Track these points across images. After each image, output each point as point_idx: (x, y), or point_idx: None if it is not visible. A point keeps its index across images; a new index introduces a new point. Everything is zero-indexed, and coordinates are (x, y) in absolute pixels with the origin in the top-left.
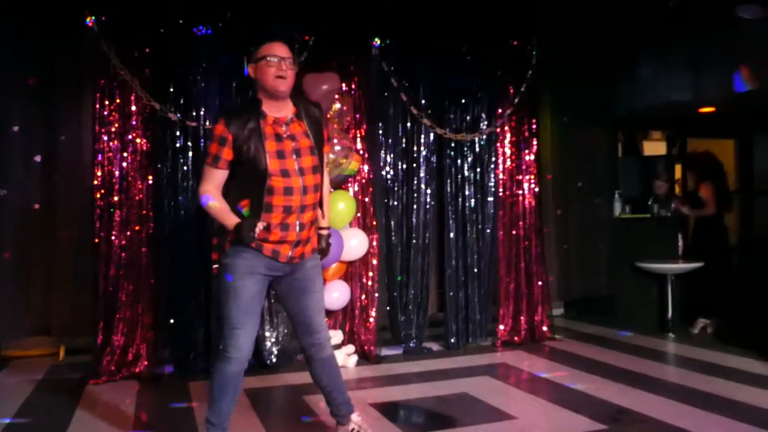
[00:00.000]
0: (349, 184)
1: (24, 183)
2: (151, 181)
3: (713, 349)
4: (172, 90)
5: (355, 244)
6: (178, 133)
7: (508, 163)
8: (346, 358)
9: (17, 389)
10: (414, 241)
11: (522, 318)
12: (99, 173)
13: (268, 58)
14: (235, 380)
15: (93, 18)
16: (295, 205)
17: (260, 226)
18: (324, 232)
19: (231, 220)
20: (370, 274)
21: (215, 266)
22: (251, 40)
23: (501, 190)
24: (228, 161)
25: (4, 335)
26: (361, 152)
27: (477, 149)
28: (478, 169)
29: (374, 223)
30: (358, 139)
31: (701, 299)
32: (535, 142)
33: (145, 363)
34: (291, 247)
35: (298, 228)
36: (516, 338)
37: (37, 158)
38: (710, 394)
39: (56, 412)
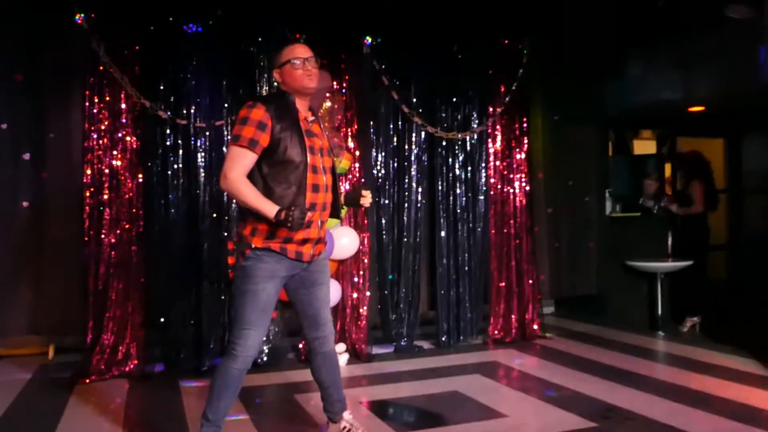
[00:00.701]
0: (340, 183)
1: (13, 181)
2: (141, 180)
3: (702, 347)
4: (162, 88)
5: (346, 242)
6: (168, 131)
7: (499, 161)
8: (337, 356)
9: (6, 388)
10: (405, 239)
11: (513, 316)
12: (89, 171)
13: (293, 61)
14: (237, 379)
15: (82, 15)
16: (320, 202)
17: (310, 215)
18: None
19: (270, 205)
20: (362, 272)
21: (230, 271)
22: (242, 38)
23: (492, 188)
24: (264, 148)
25: None
26: (352, 150)
27: (468, 148)
28: (469, 168)
29: (365, 221)
30: (350, 138)
31: (688, 297)
32: (526, 141)
33: (135, 362)
34: (312, 245)
35: (320, 225)
36: (507, 337)
37: (26, 156)
38: (699, 392)
39: (46, 411)
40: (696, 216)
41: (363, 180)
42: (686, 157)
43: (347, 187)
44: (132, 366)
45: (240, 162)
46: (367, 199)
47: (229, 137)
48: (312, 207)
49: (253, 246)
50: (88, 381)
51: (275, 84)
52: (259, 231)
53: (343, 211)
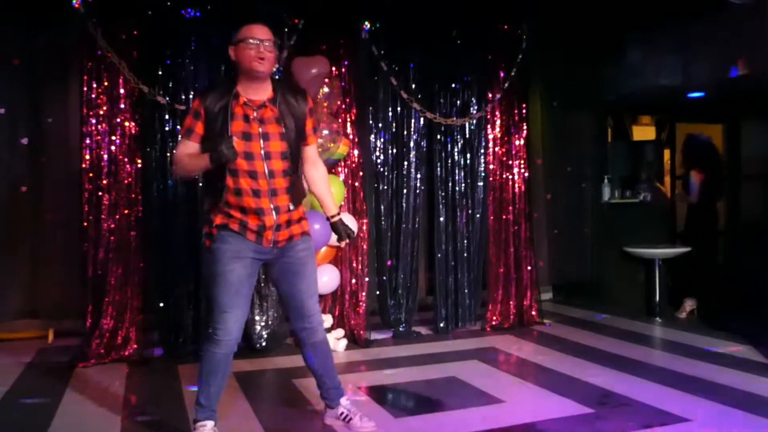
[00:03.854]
0: (339, 169)
1: (11, 166)
2: (139, 165)
3: (699, 333)
4: (160, 73)
5: None
6: (166, 117)
7: (498, 147)
8: (335, 342)
9: (6, 372)
10: (404, 225)
11: (511, 302)
12: (87, 156)
13: (249, 41)
14: (224, 363)
15: None
16: (263, 188)
17: (236, 139)
18: (335, 220)
19: (204, 157)
20: (360, 258)
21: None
22: (240, 23)
23: (491, 174)
24: (200, 135)
25: None
26: (351, 136)
27: (467, 134)
28: (468, 154)
29: (364, 207)
30: (348, 124)
31: (687, 282)
32: (524, 127)
33: (134, 346)
34: (273, 231)
35: (274, 212)
36: (505, 323)
37: (24, 141)
38: (696, 378)
39: (45, 395)
40: (701, 204)
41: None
42: (689, 144)
43: (345, 173)
44: (131, 350)
45: (180, 150)
46: (342, 243)
47: None
48: (256, 193)
49: (216, 224)
50: (87, 365)
51: None
52: (219, 210)
53: (313, 199)
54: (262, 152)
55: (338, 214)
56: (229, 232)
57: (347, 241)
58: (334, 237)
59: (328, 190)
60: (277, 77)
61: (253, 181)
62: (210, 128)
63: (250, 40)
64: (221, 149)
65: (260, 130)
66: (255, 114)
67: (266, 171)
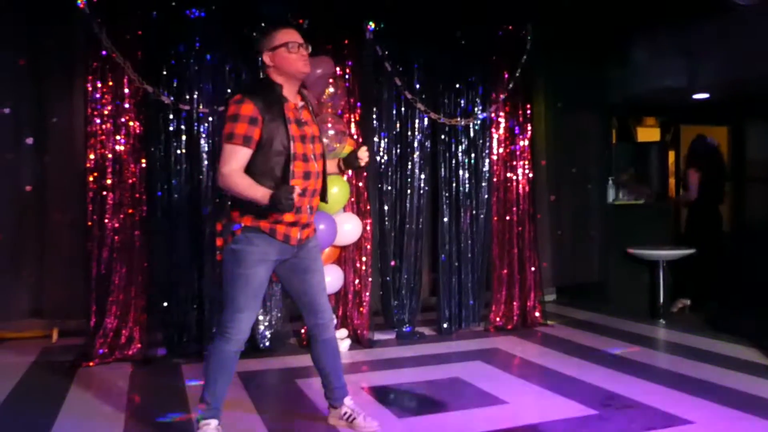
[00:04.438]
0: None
1: (16, 165)
2: (144, 165)
3: (704, 335)
4: (165, 73)
5: (349, 228)
6: (171, 117)
7: (502, 148)
8: (339, 342)
9: (10, 371)
10: (407, 226)
11: (515, 303)
12: (92, 156)
13: (290, 45)
14: (232, 360)
15: None
16: (310, 188)
17: (297, 190)
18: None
19: (263, 191)
20: (364, 258)
21: (218, 253)
22: (244, 23)
23: (495, 175)
24: (257, 142)
25: None
26: (355, 137)
27: (471, 134)
28: (472, 155)
29: (368, 207)
30: (352, 124)
31: (683, 281)
32: (529, 128)
33: (138, 346)
34: (300, 228)
35: (309, 211)
36: (508, 324)
37: (29, 140)
38: (700, 380)
39: (49, 394)
40: (701, 205)
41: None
42: (694, 144)
43: (349, 173)
44: (135, 350)
45: (235, 158)
46: (363, 154)
47: None
48: (303, 193)
49: (243, 225)
50: (91, 364)
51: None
52: (249, 211)
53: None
54: (313, 153)
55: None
56: (257, 234)
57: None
58: (339, 235)
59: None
60: None
61: (305, 181)
62: (266, 134)
63: (292, 45)
64: (280, 199)
65: (310, 131)
66: (302, 117)
67: (316, 172)
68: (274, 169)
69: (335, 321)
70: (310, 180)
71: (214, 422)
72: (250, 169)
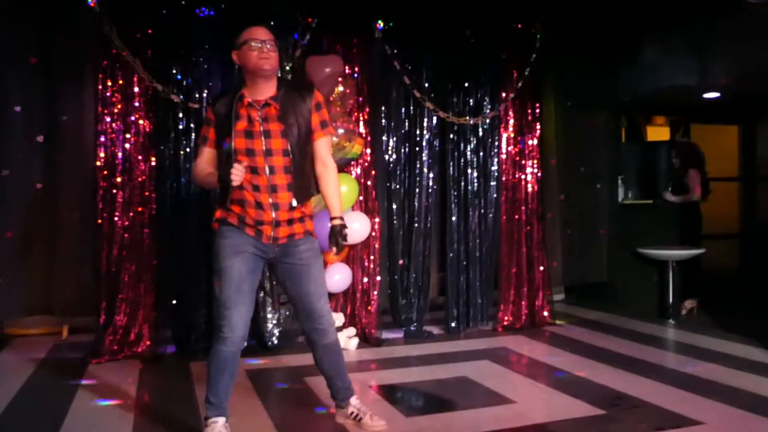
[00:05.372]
0: (352, 168)
1: (26, 163)
2: (153, 163)
3: (712, 336)
4: (174, 71)
5: (357, 227)
6: (180, 115)
7: (511, 147)
8: (347, 340)
9: (20, 368)
10: (416, 224)
11: (523, 303)
12: (102, 154)
13: (251, 43)
14: (231, 361)
15: None
16: (262, 183)
17: (238, 165)
18: (335, 223)
19: (215, 175)
20: (372, 257)
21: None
22: (254, 22)
23: (504, 174)
24: (213, 140)
25: (7, 314)
26: (364, 135)
27: (480, 133)
28: (481, 153)
29: (376, 206)
30: (361, 123)
31: (689, 282)
32: (538, 127)
33: (147, 343)
34: (271, 227)
35: (272, 208)
36: (516, 323)
37: (40, 138)
38: (709, 381)
39: (59, 391)
40: (691, 205)
41: (374, 166)
42: (684, 146)
43: (358, 172)
44: (144, 347)
45: (199, 156)
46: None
47: None
48: (255, 188)
49: (216, 218)
50: (100, 361)
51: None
52: (221, 205)
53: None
54: (263, 149)
55: (339, 218)
56: (228, 227)
57: (334, 249)
58: (348, 233)
59: (334, 189)
60: (288, 77)
61: (253, 176)
62: (219, 131)
63: (252, 42)
64: (222, 173)
65: (262, 128)
66: (259, 113)
67: (266, 167)
68: (222, 161)
69: (343, 320)
70: (259, 175)
71: (221, 420)
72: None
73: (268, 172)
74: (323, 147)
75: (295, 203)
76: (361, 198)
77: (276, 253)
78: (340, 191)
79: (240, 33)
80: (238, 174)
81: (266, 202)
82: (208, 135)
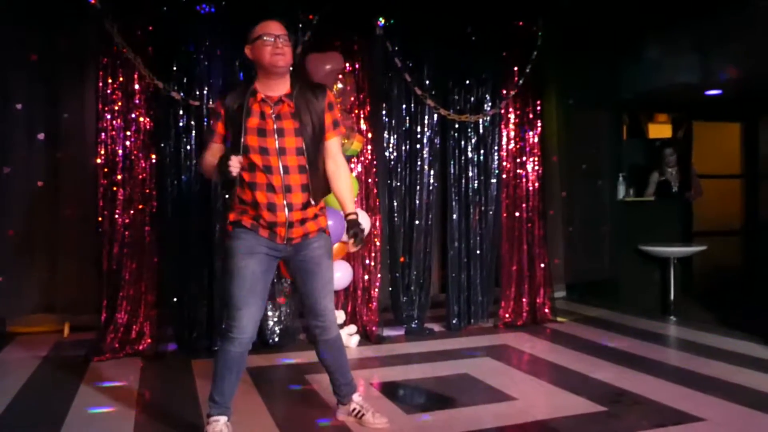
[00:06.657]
0: (353, 165)
1: (27, 161)
2: (154, 160)
3: (714, 333)
4: (175, 69)
5: None
6: (181, 112)
7: (512, 144)
8: (348, 338)
9: (22, 365)
10: (417, 222)
11: (524, 300)
12: (102, 152)
13: (264, 38)
14: (238, 361)
15: None
16: (277, 184)
17: (236, 159)
18: (350, 218)
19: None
20: (373, 254)
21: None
22: (255, 19)
23: (504, 172)
24: (221, 135)
25: (9, 312)
26: (365, 133)
27: (481, 130)
28: (482, 151)
29: (377, 203)
30: (362, 120)
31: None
32: (539, 124)
33: (149, 341)
34: (285, 228)
35: (286, 209)
36: (517, 320)
37: (41, 136)
38: (710, 377)
39: (60, 389)
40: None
41: (375, 163)
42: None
43: (359, 169)
44: (145, 345)
45: (206, 148)
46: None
47: None
48: (270, 188)
49: (230, 221)
50: (102, 359)
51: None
52: (234, 208)
53: (329, 197)
54: (277, 148)
55: (353, 213)
56: (243, 229)
57: (352, 240)
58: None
59: (347, 186)
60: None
61: (267, 175)
62: (229, 126)
63: (266, 37)
64: (221, 168)
65: (275, 126)
66: (272, 110)
67: (281, 166)
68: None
69: (344, 317)
70: (273, 174)
71: (223, 419)
72: None
73: (282, 171)
74: (335, 146)
75: (313, 203)
76: (361, 195)
77: (289, 252)
78: (352, 188)
79: (251, 28)
80: (235, 165)
81: (280, 203)
82: (215, 129)
